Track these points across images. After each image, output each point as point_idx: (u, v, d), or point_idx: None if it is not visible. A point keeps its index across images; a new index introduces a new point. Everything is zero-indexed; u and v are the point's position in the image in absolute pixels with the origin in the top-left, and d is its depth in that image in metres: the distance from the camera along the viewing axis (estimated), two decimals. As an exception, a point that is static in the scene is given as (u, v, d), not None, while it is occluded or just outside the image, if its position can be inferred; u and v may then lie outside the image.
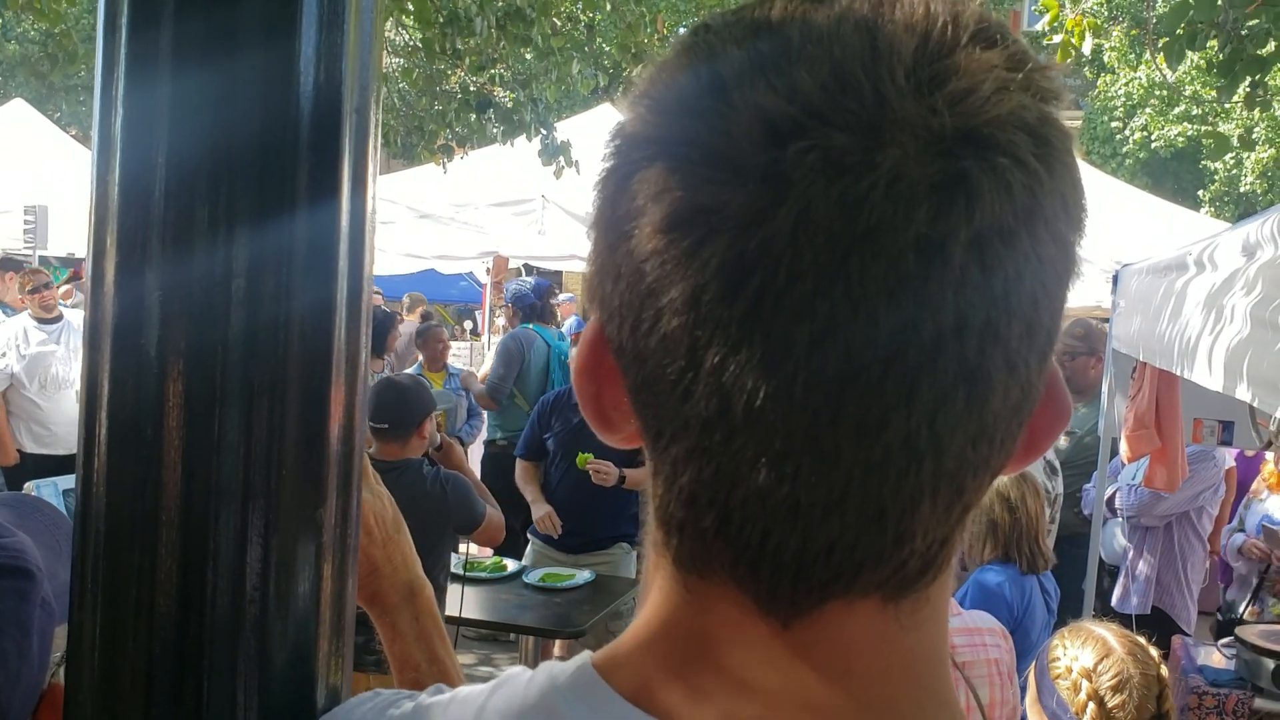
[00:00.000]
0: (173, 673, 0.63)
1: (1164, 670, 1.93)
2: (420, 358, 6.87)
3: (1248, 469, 5.80)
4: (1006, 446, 0.48)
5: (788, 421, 0.44)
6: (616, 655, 0.52)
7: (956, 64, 0.44)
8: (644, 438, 0.50)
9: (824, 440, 0.44)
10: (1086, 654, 1.94)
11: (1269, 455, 4.90)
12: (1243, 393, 2.06)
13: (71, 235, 9.43)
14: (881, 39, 0.44)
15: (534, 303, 6.40)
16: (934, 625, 0.51)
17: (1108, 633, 1.98)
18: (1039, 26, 4.87)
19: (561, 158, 6.93)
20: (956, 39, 0.45)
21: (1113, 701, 1.88)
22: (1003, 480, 3.04)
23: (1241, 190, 18.06)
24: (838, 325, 0.43)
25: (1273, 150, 17.24)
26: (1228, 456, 5.12)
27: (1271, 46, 4.06)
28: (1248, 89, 4.12)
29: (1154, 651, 1.96)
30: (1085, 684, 1.90)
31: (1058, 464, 4.49)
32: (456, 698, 0.57)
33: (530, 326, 6.31)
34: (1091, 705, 1.88)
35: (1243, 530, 4.71)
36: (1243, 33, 3.99)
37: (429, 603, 0.98)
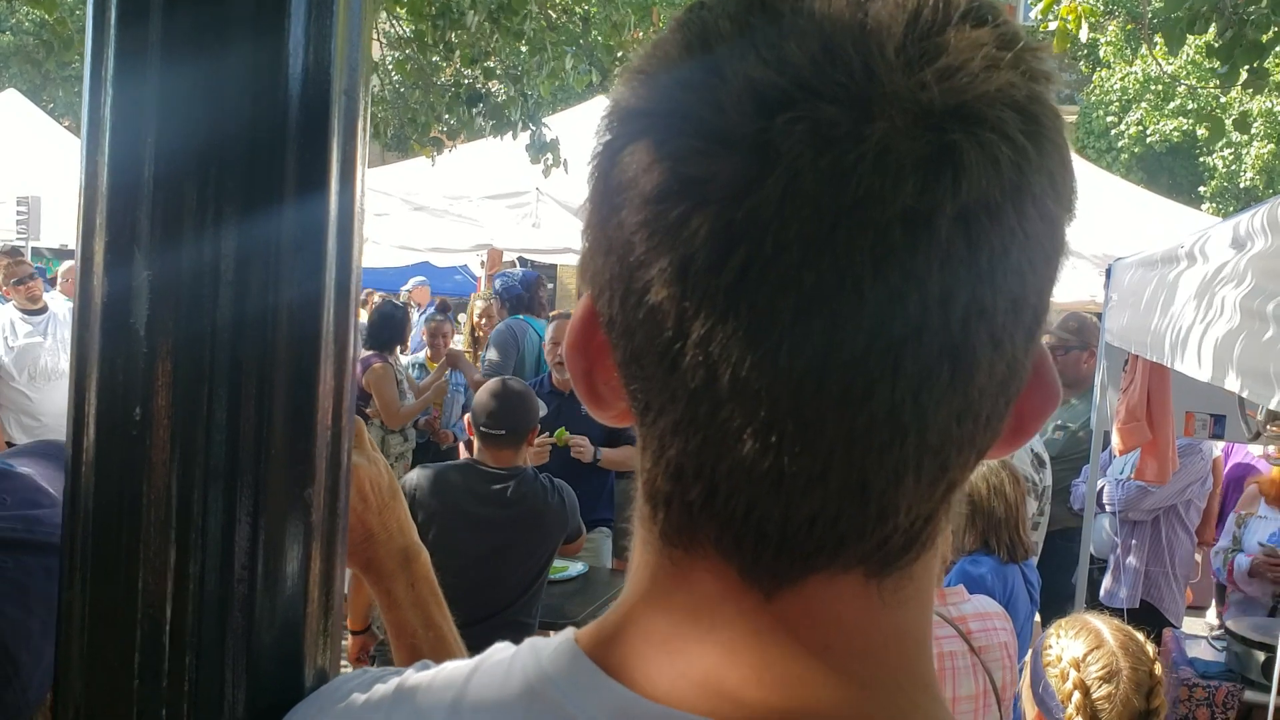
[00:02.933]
0: (161, 651, 0.63)
1: (1158, 668, 1.93)
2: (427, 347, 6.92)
3: (1243, 471, 5.81)
4: (993, 425, 0.48)
5: (772, 392, 0.44)
6: (601, 631, 0.53)
7: (946, 41, 0.44)
8: (633, 412, 0.50)
9: (808, 411, 0.44)
10: (1078, 644, 1.95)
11: (1255, 450, 4.89)
12: (1232, 383, 2.07)
13: (65, 226, 9.40)
14: (872, 15, 0.45)
15: (521, 294, 6.40)
16: (917, 605, 0.51)
17: (1104, 626, 1.99)
18: (1034, 15, 4.87)
19: (550, 155, 6.90)
20: (947, 16, 0.45)
21: (1099, 693, 1.89)
22: (981, 468, 3.04)
23: (1242, 186, 18.08)
24: (823, 296, 0.43)
25: (1272, 145, 17.26)
26: (1214, 447, 5.12)
27: (1272, 32, 4.05)
28: (1247, 74, 4.12)
29: (1150, 648, 1.96)
30: (1073, 673, 1.91)
31: (1046, 457, 4.49)
32: (441, 673, 0.57)
33: (521, 317, 6.31)
34: (1077, 695, 1.88)
35: (1240, 549, 4.66)
36: (1244, 18, 3.99)
37: (425, 568, 0.98)
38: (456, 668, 0.56)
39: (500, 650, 0.55)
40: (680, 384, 0.46)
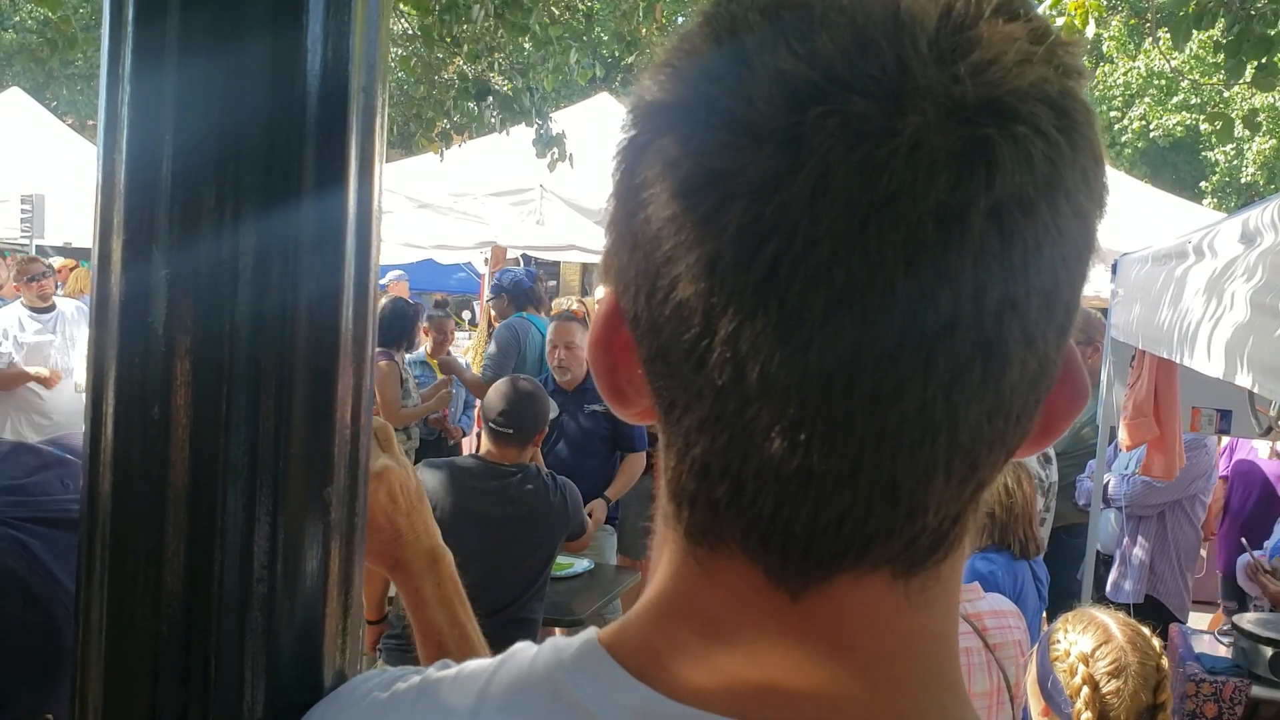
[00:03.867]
0: (180, 651, 0.63)
1: (1164, 661, 1.93)
2: (428, 342, 6.92)
3: (1247, 467, 5.78)
4: (1023, 424, 0.47)
5: (801, 390, 0.44)
6: (624, 630, 0.52)
7: (979, 35, 0.44)
8: (657, 410, 0.50)
9: (837, 409, 0.44)
10: (1086, 639, 1.95)
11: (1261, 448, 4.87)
12: (1242, 379, 2.07)
13: (68, 224, 9.42)
14: (905, 8, 0.44)
15: (530, 288, 6.40)
16: (944, 606, 0.50)
17: (1111, 620, 1.99)
18: (1041, 10, 4.86)
19: (555, 149, 6.89)
20: (980, 10, 0.44)
21: (1107, 687, 1.89)
22: None
23: (1243, 181, 18.09)
24: (854, 292, 0.43)
25: (1274, 140, 17.25)
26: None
27: None
28: (1255, 70, 4.10)
29: (1156, 642, 1.96)
30: (1082, 668, 1.90)
31: (1052, 452, 4.48)
32: (463, 672, 0.56)
33: (524, 315, 6.29)
34: (1086, 689, 1.88)
35: (1262, 548, 4.62)
36: (1251, 13, 3.96)
37: (450, 569, 1.01)
38: (478, 667, 0.56)
39: (522, 650, 0.55)
40: (707, 381, 0.46)
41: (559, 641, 0.53)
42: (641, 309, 0.48)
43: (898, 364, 0.43)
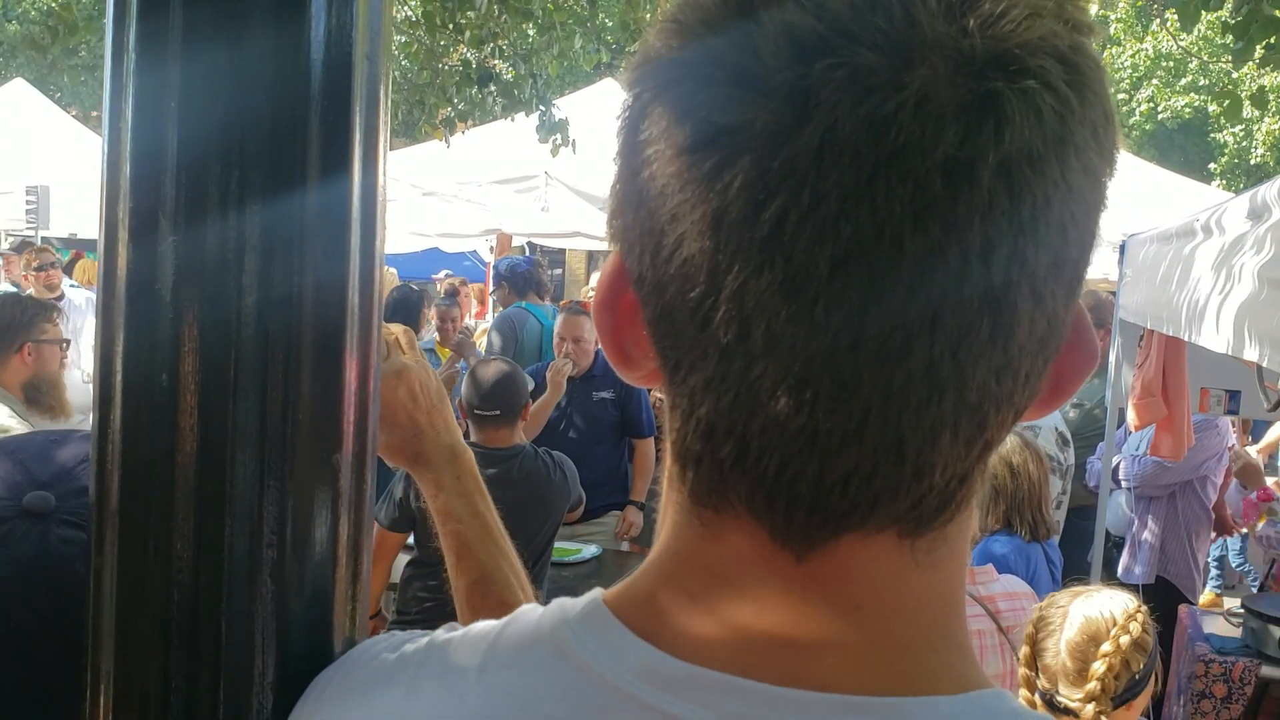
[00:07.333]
0: (190, 617, 0.63)
1: (1145, 632, 1.94)
2: (435, 331, 6.93)
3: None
4: (1031, 383, 0.47)
5: (807, 346, 0.43)
6: (629, 591, 0.52)
7: None
8: (662, 371, 0.50)
9: (844, 366, 0.43)
10: (1067, 610, 1.98)
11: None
12: (1250, 353, 2.06)
13: (74, 215, 9.43)
14: None
15: (528, 271, 6.38)
16: (951, 566, 0.50)
17: (1096, 590, 2.02)
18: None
19: (559, 135, 6.87)
20: None
21: (1078, 652, 1.92)
22: (1004, 445, 3.03)
23: (1253, 162, 18.01)
24: (862, 248, 0.42)
25: (1284, 121, 17.16)
26: (1231, 434, 5.08)
27: None
28: (1264, 51, 4.06)
29: (1140, 614, 1.96)
30: (1060, 635, 1.94)
31: (1069, 435, 4.48)
32: (470, 632, 0.57)
33: (523, 305, 6.26)
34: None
35: None
36: None
37: (470, 464, 1.07)
38: (485, 628, 0.56)
39: (528, 611, 0.55)
40: (712, 340, 0.45)
41: (564, 602, 0.53)
42: (646, 268, 0.48)
43: (904, 321, 0.43)
